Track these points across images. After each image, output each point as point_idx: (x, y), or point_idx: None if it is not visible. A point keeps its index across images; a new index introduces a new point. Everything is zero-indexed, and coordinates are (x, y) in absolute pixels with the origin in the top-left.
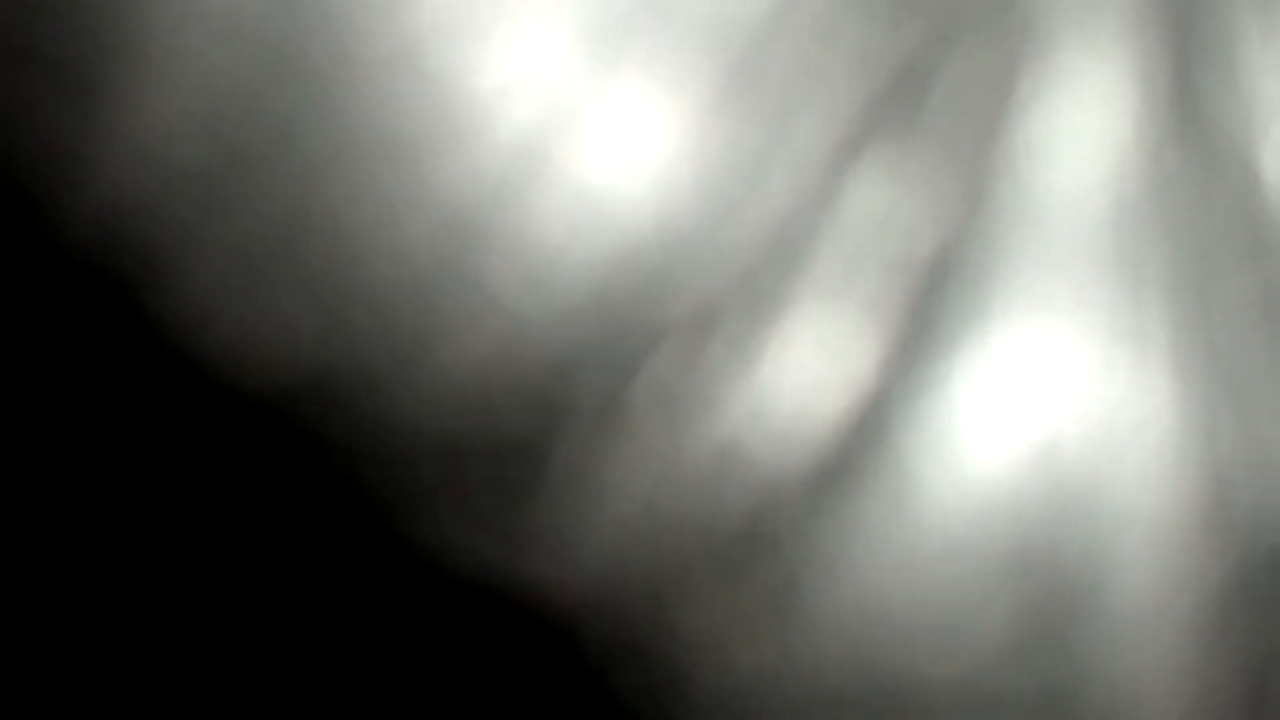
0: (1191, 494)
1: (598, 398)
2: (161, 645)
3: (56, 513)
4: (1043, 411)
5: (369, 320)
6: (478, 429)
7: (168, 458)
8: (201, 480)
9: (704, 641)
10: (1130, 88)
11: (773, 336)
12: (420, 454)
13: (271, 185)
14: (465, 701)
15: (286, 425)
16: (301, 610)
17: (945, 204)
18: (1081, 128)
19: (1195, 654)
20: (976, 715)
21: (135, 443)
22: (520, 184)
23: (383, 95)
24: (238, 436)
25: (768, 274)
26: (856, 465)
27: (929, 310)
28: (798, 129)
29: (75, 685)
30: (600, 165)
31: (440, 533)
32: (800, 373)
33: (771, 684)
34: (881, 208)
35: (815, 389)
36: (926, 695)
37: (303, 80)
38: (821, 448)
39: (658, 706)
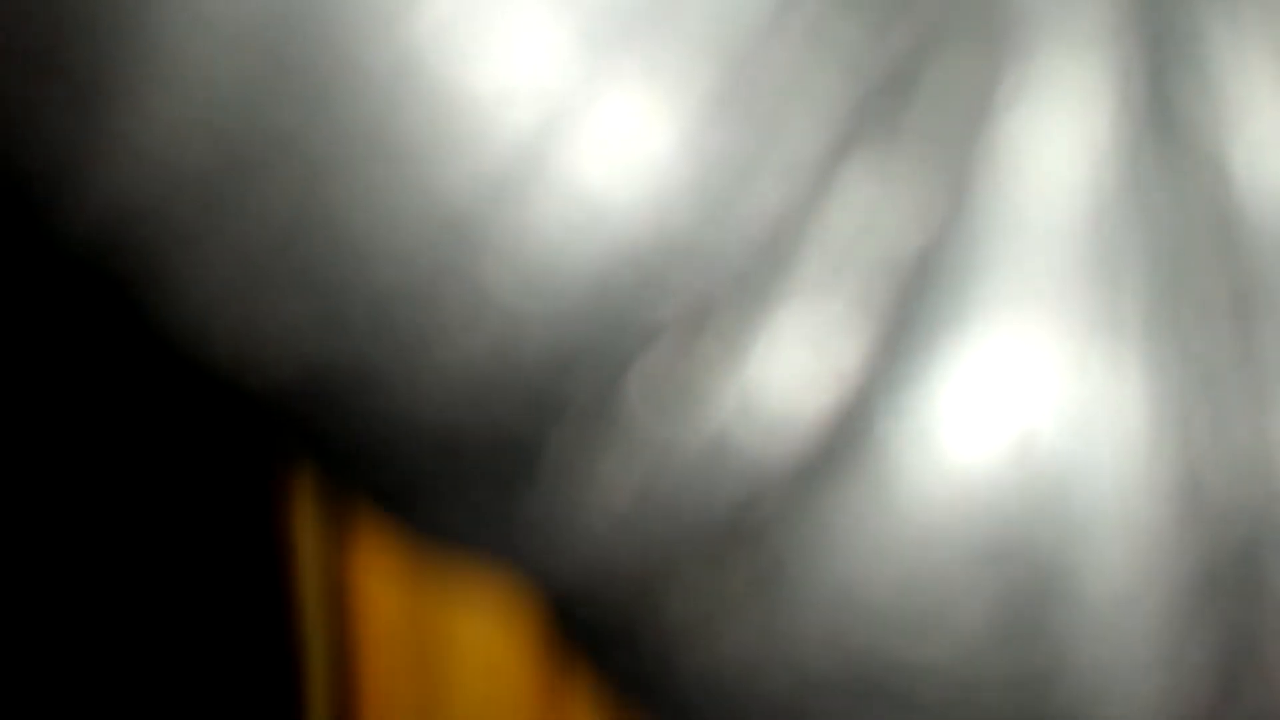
0: (1164, 485)
1: (591, 393)
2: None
3: (62, 509)
4: (1021, 405)
5: (370, 320)
6: (475, 424)
7: (171, 448)
8: (204, 468)
9: (692, 627)
10: (1107, 91)
11: (761, 333)
12: (419, 448)
13: (273, 189)
14: None
15: (287, 420)
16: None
17: (929, 204)
18: (1060, 130)
19: (1167, 641)
20: (955, 698)
21: (139, 436)
22: (518, 187)
23: (384, 101)
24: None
25: (757, 273)
26: (840, 457)
27: (912, 307)
28: (788, 132)
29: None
30: (597, 169)
31: (438, 522)
32: (787, 368)
33: (757, 667)
34: (867, 208)
35: (802, 384)
36: (907, 679)
37: (304, 87)
38: (807, 440)
39: (647, 689)
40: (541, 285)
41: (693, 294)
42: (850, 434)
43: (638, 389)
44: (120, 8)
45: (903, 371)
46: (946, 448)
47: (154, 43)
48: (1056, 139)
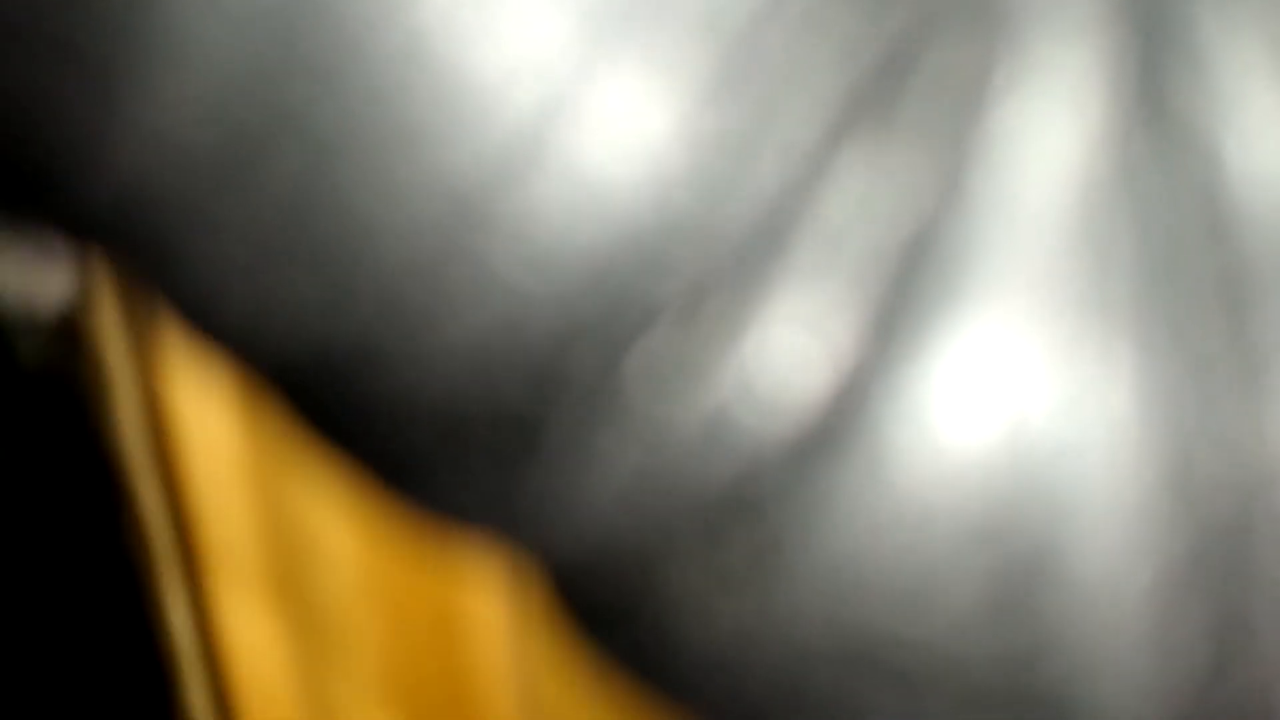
0: (1153, 467)
1: (593, 371)
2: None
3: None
4: (1012, 387)
5: (377, 298)
6: (478, 400)
7: None
8: None
9: (690, 601)
10: (1100, 79)
11: (758, 313)
12: (423, 423)
13: (282, 169)
14: None
15: (294, 395)
16: None
17: (923, 189)
18: (1053, 117)
19: (1154, 622)
20: (947, 672)
21: None
22: (522, 169)
23: (390, 83)
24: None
25: (754, 254)
26: (835, 436)
27: (907, 290)
28: (786, 117)
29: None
30: (599, 151)
31: (441, 498)
32: (783, 348)
33: (753, 641)
34: (862, 193)
35: (797, 363)
36: (898, 653)
37: (313, 69)
38: (803, 419)
39: (646, 663)
40: (545, 264)
41: (691, 274)
42: (845, 413)
43: (637, 367)
44: None
45: (897, 353)
46: (939, 428)
47: (165, 25)
48: (1049, 126)
